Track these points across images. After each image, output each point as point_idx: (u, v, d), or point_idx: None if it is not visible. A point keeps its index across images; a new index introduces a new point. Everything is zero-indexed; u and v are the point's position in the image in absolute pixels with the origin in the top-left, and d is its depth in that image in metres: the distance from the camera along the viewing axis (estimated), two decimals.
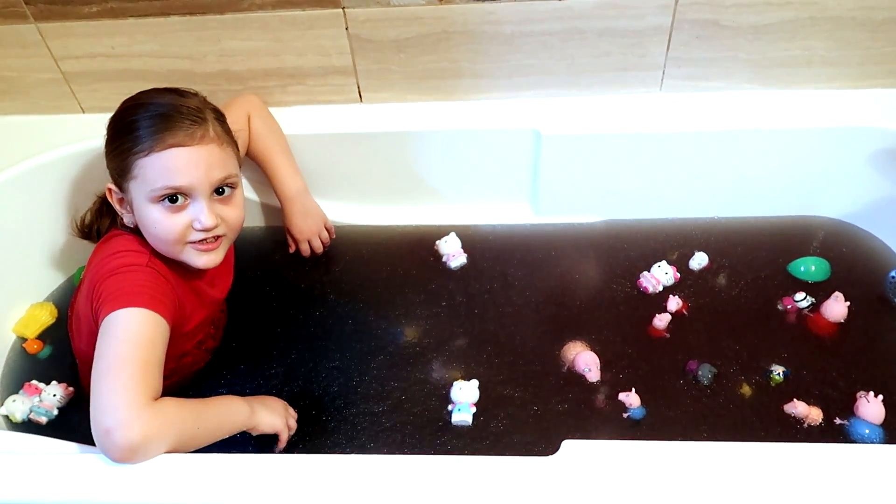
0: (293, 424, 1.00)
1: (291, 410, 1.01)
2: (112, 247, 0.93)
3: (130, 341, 0.82)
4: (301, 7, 1.14)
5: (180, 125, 0.86)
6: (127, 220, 0.93)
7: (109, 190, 0.92)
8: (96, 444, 0.77)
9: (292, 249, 1.26)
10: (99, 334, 0.84)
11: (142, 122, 0.86)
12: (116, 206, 0.93)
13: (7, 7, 1.16)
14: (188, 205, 0.89)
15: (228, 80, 1.24)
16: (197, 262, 0.92)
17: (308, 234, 1.24)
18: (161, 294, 0.89)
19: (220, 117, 0.93)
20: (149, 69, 1.23)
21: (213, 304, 1.05)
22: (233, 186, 0.93)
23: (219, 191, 0.91)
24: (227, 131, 0.93)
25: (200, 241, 0.91)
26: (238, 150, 0.96)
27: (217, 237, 0.92)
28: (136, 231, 0.93)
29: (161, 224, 0.88)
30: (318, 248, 1.25)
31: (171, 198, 0.87)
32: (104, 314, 0.84)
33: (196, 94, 0.93)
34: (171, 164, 0.86)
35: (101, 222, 1.00)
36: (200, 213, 0.89)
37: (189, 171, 0.86)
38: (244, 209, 0.96)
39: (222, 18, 1.16)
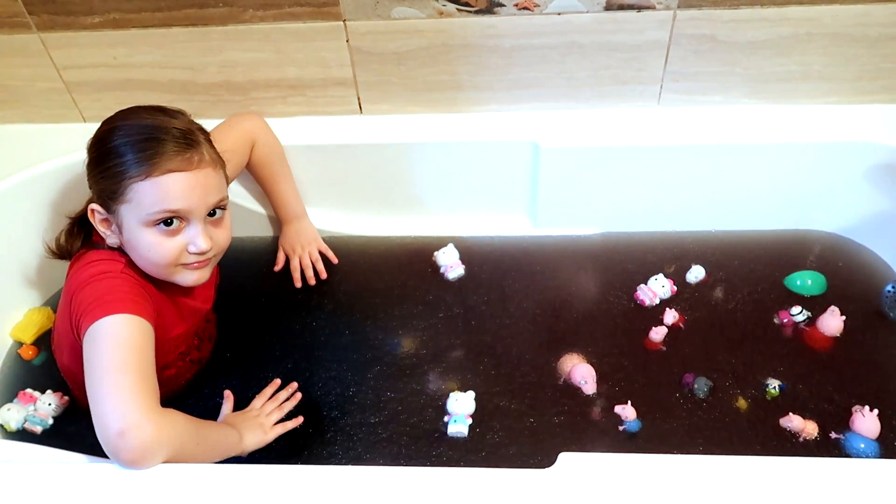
0: (275, 418, 1.02)
1: (268, 407, 1.03)
2: (87, 256, 0.92)
3: (121, 347, 0.81)
4: (302, 19, 1.15)
5: (175, 149, 0.85)
6: (110, 241, 0.92)
7: (92, 210, 0.91)
8: (105, 447, 0.76)
9: (276, 267, 1.25)
10: (85, 346, 0.83)
11: (133, 145, 0.85)
12: (99, 227, 0.91)
13: (10, 17, 1.17)
14: (183, 228, 0.89)
15: (230, 90, 1.25)
16: (188, 280, 0.93)
17: (299, 250, 1.25)
18: (140, 298, 0.88)
19: (209, 138, 0.93)
20: (151, 79, 1.24)
21: (194, 316, 1.04)
22: (224, 208, 0.93)
23: (210, 213, 0.91)
24: (217, 153, 0.93)
25: (193, 263, 0.91)
26: (226, 170, 0.95)
27: (208, 258, 0.93)
28: (115, 250, 0.93)
29: (156, 248, 0.88)
30: (307, 263, 1.25)
31: (167, 221, 0.87)
32: (87, 325, 0.83)
33: (182, 113, 0.92)
34: (170, 189, 0.85)
35: (72, 242, 0.97)
36: (196, 237, 0.89)
37: (187, 196, 0.86)
38: (231, 228, 0.96)
39: (224, 30, 1.17)
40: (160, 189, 0.85)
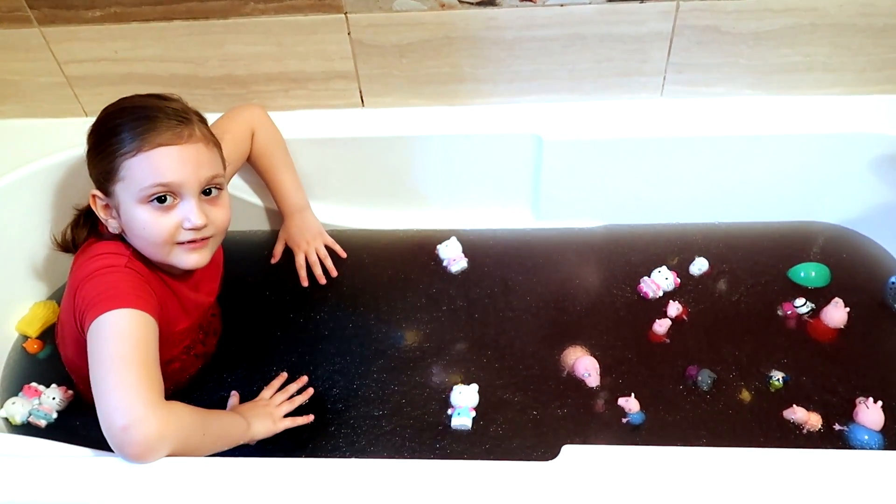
0: (285, 410, 1.02)
1: (277, 398, 1.04)
2: (91, 250, 0.92)
3: (126, 342, 0.82)
4: (303, 12, 1.15)
5: (166, 125, 0.86)
6: (112, 226, 0.92)
7: (94, 196, 0.91)
8: (110, 442, 0.77)
9: (273, 260, 1.25)
10: (89, 340, 0.83)
11: (127, 125, 0.86)
12: (101, 214, 0.92)
13: (11, 11, 1.16)
14: (177, 205, 0.88)
15: (231, 84, 1.25)
16: (186, 261, 0.91)
17: (304, 245, 1.24)
18: (144, 293, 0.88)
19: (203, 120, 0.93)
20: (152, 73, 1.24)
21: (198, 309, 1.04)
22: (219, 187, 0.93)
23: (206, 192, 0.91)
24: (212, 133, 0.93)
25: (189, 241, 0.90)
26: (222, 152, 0.95)
27: (205, 237, 0.92)
28: (117, 238, 0.93)
29: (150, 225, 0.87)
30: (314, 259, 1.23)
31: (160, 198, 0.87)
32: (90, 319, 0.83)
33: (178, 99, 0.92)
34: (160, 162, 0.85)
35: (78, 233, 0.98)
36: (190, 213, 0.88)
37: (178, 169, 0.86)
38: (230, 210, 0.95)
39: (225, 23, 1.17)
40: (150, 163, 0.85)
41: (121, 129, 0.86)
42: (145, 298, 0.87)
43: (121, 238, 0.93)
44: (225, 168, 0.95)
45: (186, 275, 0.99)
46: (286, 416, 1.02)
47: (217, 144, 0.94)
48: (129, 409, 0.76)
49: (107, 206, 0.91)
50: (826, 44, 1.15)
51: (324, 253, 1.25)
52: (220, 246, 1.08)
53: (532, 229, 1.32)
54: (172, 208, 0.88)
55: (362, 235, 1.33)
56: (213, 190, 0.92)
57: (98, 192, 0.91)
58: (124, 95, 0.93)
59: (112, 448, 0.77)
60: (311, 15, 1.15)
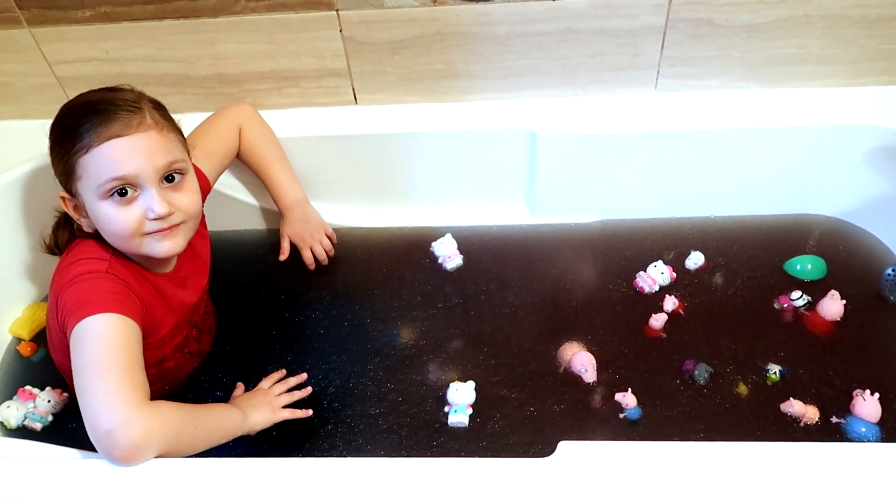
0: (285, 401, 1.02)
1: (277, 388, 1.04)
2: (72, 255, 0.92)
3: (106, 347, 0.81)
4: (294, 9, 1.14)
5: (115, 117, 0.84)
6: (85, 225, 0.91)
7: (63, 198, 0.90)
8: (97, 447, 0.77)
9: (283, 257, 1.22)
10: (71, 345, 0.83)
11: (77, 122, 0.85)
12: (73, 214, 0.91)
13: (1, 12, 1.16)
14: (138, 196, 0.86)
15: (223, 83, 1.24)
16: (159, 250, 0.89)
17: (310, 240, 1.23)
18: (125, 297, 0.87)
19: (159, 106, 0.91)
20: (143, 73, 1.23)
21: (186, 308, 1.02)
22: (182, 172, 0.90)
23: (168, 178, 0.88)
24: (168, 118, 0.91)
25: (158, 231, 0.88)
26: (184, 136, 0.94)
27: (173, 225, 0.89)
28: (96, 236, 0.92)
29: (114, 219, 0.86)
30: (321, 254, 1.23)
31: (120, 191, 0.85)
32: (72, 325, 0.83)
33: (132, 89, 0.91)
34: (112, 155, 0.84)
35: (60, 236, 0.97)
36: (152, 202, 0.86)
37: (131, 160, 0.84)
38: (198, 194, 0.94)
39: (216, 22, 1.16)
40: (102, 158, 0.84)
41: (72, 126, 0.85)
42: (125, 302, 0.86)
43: (100, 238, 0.92)
44: (189, 153, 0.94)
45: (172, 271, 0.99)
46: (285, 407, 1.02)
47: (175, 129, 0.91)
48: (111, 413, 0.76)
49: (76, 207, 0.90)
50: (820, 35, 1.15)
51: (328, 244, 1.24)
52: (207, 242, 1.09)
53: (527, 225, 1.31)
54: (134, 200, 0.86)
55: (357, 234, 1.32)
56: (175, 176, 0.89)
57: (65, 194, 0.90)
58: None
59: (99, 453, 0.77)
60: (302, 12, 1.14)
